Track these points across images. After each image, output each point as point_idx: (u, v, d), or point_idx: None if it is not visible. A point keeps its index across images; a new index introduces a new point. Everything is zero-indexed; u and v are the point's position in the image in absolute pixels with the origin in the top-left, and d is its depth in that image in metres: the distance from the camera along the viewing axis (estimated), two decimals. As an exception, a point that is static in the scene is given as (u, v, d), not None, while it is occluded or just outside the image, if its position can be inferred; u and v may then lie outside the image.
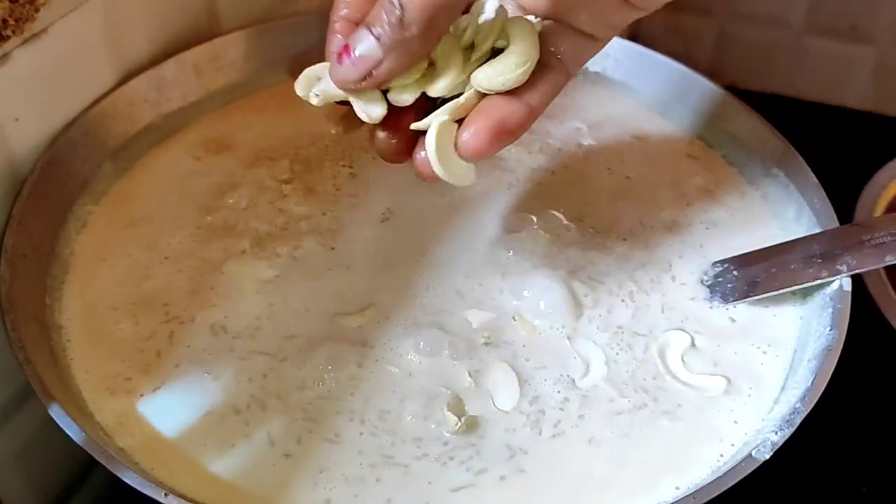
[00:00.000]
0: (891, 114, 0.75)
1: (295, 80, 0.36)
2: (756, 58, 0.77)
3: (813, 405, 0.36)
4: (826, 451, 0.51)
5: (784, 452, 0.35)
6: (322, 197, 0.48)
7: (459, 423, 0.37)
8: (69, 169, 0.46)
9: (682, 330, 0.42)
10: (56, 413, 0.35)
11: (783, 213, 0.48)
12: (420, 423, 0.38)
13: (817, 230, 0.44)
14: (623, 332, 0.42)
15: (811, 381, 0.37)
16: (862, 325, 0.43)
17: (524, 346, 0.41)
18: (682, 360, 0.41)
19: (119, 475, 0.33)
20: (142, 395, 0.38)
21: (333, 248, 0.45)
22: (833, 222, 0.44)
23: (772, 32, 0.75)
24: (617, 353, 0.41)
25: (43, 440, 0.46)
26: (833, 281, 0.41)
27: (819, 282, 0.41)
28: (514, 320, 0.42)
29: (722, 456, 0.37)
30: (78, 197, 0.46)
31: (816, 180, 0.46)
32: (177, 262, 0.44)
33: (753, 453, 0.35)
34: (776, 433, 0.35)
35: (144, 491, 0.33)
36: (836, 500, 0.50)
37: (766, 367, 0.41)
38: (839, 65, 0.75)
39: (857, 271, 0.41)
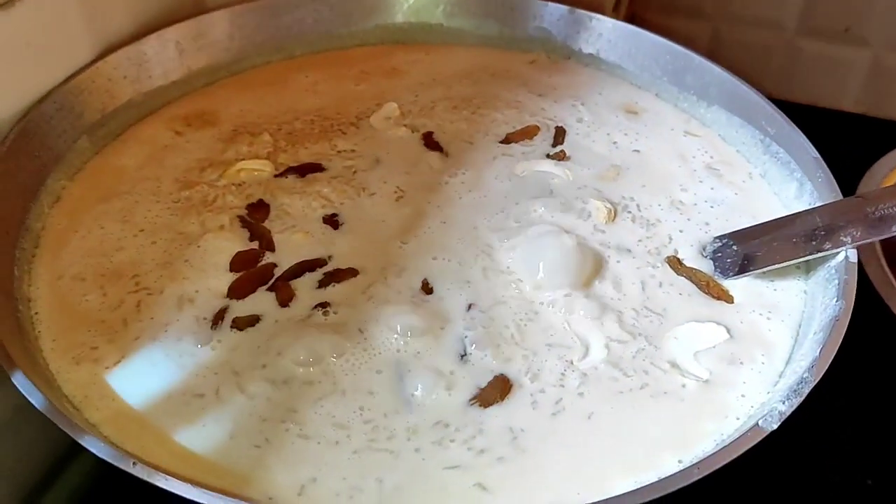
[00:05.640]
0: (884, 116, 0.74)
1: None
2: (750, 60, 0.76)
3: (822, 375, 0.34)
4: (830, 443, 0.49)
5: (788, 445, 0.34)
6: (308, 173, 0.46)
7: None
8: (43, 142, 0.44)
9: (696, 321, 0.40)
10: (19, 381, 0.33)
11: (784, 190, 0.46)
12: (423, 398, 0.36)
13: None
14: (634, 310, 0.40)
15: (819, 350, 0.35)
16: (862, 313, 0.41)
17: (524, 320, 0.39)
18: (694, 347, 0.39)
19: (85, 445, 0.31)
20: (107, 367, 0.36)
21: (318, 225, 0.43)
22: (837, 197, 0.42)
23: (766, 35, 0.74)
24: (623, 331, 0.39)
25: (13, 430, 0.44)
26: (838, 253, 0.40)
27: (822, 254, 0.40)
28: (518, 291, 0.40)
29: (726, 431, 0.35)
30: (52, 171, 0.44)
31: (818, 154, 0.44)
32: (151, 235, 0.42)
33: (760, 423, 0.33)
34: (783, 402, 0.34)
35: (111, 460, 0.31)
36: (842, 492, 0.48)
37: (774, 336, 0.39)
38: (833, 67, 0.74)
39: (862, 242, 0.39)
